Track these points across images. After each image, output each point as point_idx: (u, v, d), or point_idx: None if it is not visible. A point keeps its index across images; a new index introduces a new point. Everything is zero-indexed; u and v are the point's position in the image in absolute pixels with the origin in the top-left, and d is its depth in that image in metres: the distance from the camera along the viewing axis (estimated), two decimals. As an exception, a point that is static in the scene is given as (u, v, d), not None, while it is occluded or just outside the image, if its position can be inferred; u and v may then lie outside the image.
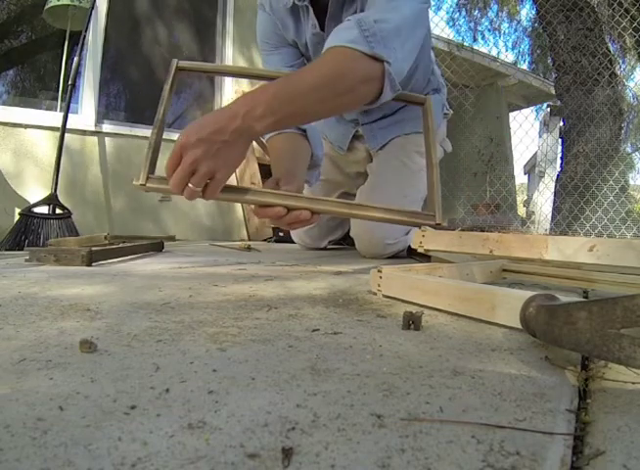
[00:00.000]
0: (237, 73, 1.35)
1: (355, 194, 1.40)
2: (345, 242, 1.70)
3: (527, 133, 3.37)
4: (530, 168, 5.31)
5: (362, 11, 0.91)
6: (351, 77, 0.69)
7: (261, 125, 0.64)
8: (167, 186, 0.69)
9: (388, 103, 1.33)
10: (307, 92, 0.66)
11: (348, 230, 1.47)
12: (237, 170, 2.80)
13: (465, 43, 4.57)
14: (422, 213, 0.79)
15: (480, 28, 5.22)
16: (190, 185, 0.64)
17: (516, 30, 5.92)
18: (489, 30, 5.41)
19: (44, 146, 2.13)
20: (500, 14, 5.56)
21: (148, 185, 0.76)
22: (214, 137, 0.62)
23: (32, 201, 1.93)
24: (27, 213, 1.84)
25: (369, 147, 1.44)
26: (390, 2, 0.79)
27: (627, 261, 0.65)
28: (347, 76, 0.69)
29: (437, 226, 0.75)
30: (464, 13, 5.29)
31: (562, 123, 3.36)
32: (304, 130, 1.06)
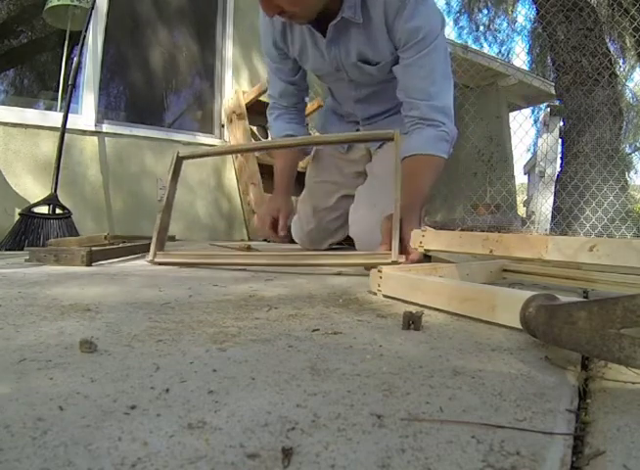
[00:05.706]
0: (235, 151, 1.75)
1: (354, 195, 1.39)
2: (346, 242, 1.70)
3: (527, 133, 3.37)
4: (530, 168, 5.31)
5: (366, 39, 1.11)
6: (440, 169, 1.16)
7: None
8: (176, 260, 0.99)
9: (387, 103, 1.34)
10: (428, 189, 1.12)
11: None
12: (236, 170, 2.80)
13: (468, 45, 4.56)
14: (378, 254, 0.84)
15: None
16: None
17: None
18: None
19: (44, 146, 2.12)
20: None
21: (156, 260, 0.96)
22: None
23: (32, 201, 1.92)
24: (27, 213, 1.84)
25: (368, 145, 1.45)
26: (443, 85, 1.10)
27: (627, 261, 0.64)
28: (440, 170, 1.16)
29: (394, 264, 0.80)
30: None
31: (562, 123, 3.35)
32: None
